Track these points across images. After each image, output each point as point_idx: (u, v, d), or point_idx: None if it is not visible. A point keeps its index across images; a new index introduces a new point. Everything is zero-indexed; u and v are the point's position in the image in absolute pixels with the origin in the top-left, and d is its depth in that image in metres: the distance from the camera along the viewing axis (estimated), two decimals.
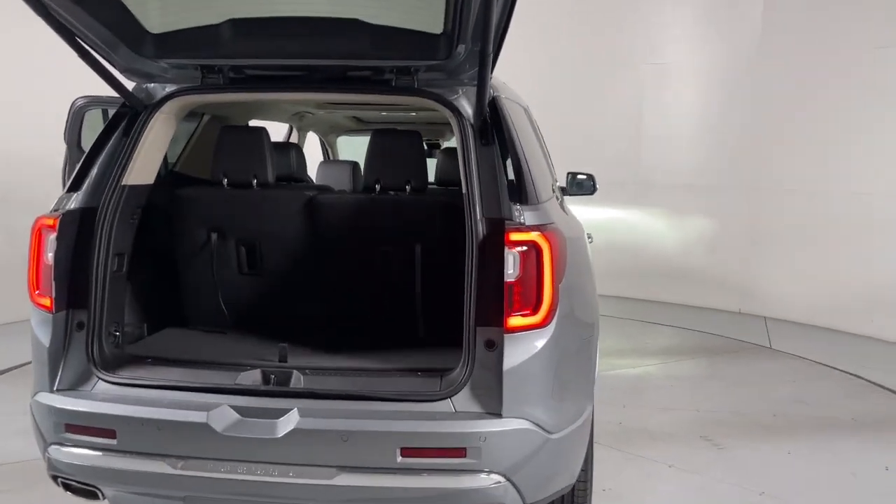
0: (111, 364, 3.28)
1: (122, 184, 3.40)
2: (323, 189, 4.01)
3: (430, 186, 3.84)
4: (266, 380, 3.19)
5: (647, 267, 9.65)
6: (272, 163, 3.75)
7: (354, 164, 5.72)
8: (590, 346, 3.51)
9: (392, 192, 3.66)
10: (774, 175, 8.82)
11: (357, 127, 6.72)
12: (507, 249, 3.02)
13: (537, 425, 3.04)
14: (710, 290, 9.24)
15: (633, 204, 9.68)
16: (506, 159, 3.26)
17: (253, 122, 4.75)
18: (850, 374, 7.27)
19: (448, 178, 4.24)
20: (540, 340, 3.07)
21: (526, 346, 3.05)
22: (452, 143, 3.79)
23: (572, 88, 9.57)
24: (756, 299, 9.03)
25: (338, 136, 7.06)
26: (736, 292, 9.24)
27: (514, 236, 3.04)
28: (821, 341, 8.30)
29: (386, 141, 3.64)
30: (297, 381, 3.15)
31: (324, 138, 6.76)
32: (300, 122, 5.78)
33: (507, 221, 3.10)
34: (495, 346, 3.07)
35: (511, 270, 3.03)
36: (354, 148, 7.41)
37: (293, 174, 4.27)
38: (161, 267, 3.97)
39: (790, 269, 8.82)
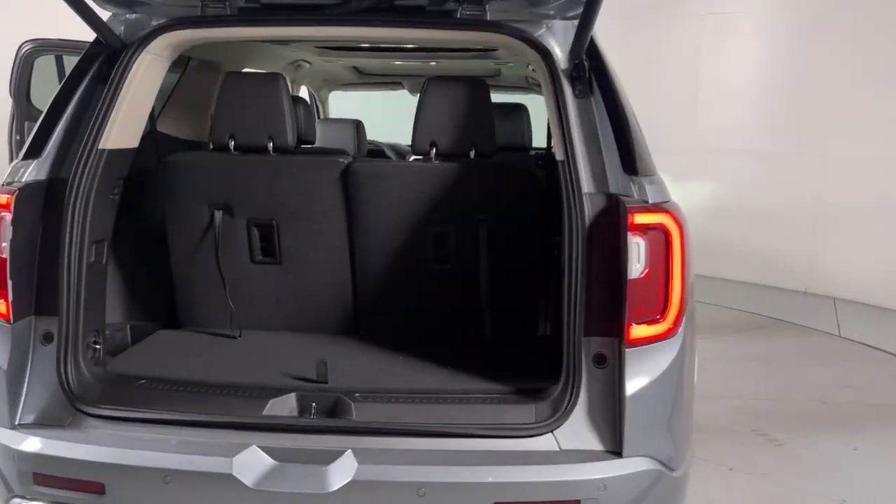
0: (93, 389, 2.48)
1: (100, 147, 2.56)
2: (356, 155, 3.19)
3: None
4: (305, 408, 2.43)
5: (705, 241, 7.97)
6: (293, 121, 2.92)
7: (357, 124, 4.89)
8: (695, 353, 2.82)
9: (451, 159, 2.88)
10: (847, 141, 7.35)
11: (356, 80, 5.85)
12: (630, 236, 2.29)
13: (661, 463, 2.35)
14: (772, 267, 7.74)
15: (688, 171, 7.94)
16: (612, 116, 2.52)
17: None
18: None
19: (503, 142, 3.46)
20: (667, 354, 2.38)
21: (651, 363, 2.36)
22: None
23: (620, 41, 7.85)
24: (824, 279, 7.63)
25: (331, 90, 6.19)
26: (803, 271, 7.80)
27: (640, 218, 2.30)
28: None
29: (445, 92, 2.85)
30: (346, 409, 2.39)
31: (316, 93, 5.87)
32: (295, 73, 4.89)
33: (623, 198, 2.37)
34: (606, 363, 2.37)
35: (636, 264, 2.30)
36: (345, 106, 6.54)
37: (302, 136, 3.43)
38: (150, 255, 3.13)
39: (862, 245, 7.42)
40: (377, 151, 5.84)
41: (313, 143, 4.13)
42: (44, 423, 2.42)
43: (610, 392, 2.36)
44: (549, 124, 3.24)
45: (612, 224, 2.38)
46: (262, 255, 3.03)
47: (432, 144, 2.85)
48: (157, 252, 3.13)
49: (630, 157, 2.45)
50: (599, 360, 2.38)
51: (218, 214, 2.96)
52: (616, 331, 2.38)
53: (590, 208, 2.39)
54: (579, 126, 2.48)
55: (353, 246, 2.98)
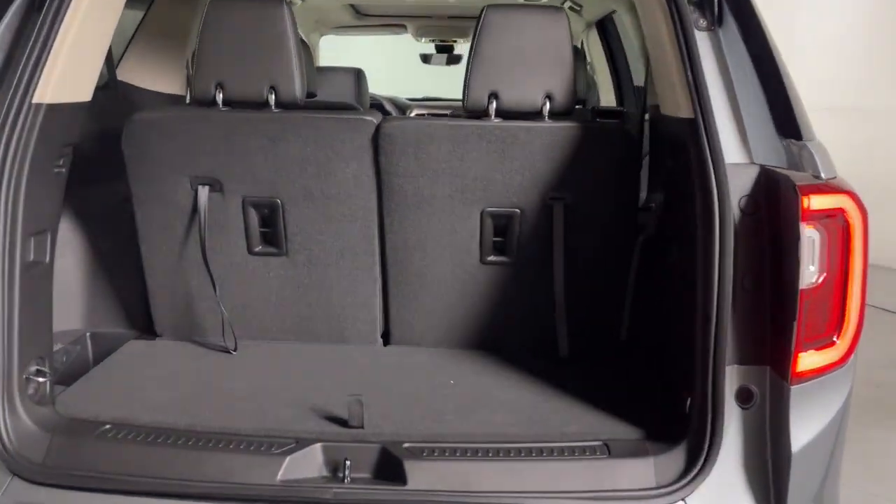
0: (36, 443, 1.77)
1: (34, 101, 1.82)
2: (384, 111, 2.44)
3: None
4: (335, 467, 1.74)
5: None
6: (301, 66, 2.17)
7: (358, 73, 4.12)
8: None
9: (518, 117, 2.16)
10: None
11: (353, 22, 5.02)
12: (803, 227, 1.61)
13: None
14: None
15: None
16: (757, 57, 1.82)
17: None
18: None
19: None
20: (840, 391, 1.75)
21: (822, 404, 1.72)
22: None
23: None
24: None
25: (322, 35, 5.35)
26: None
27: (817, 202, 1.62)
28: None
29: (510, 25, 2.10)
30: (395, 468, 1.72)
31: (306, 37, 5.03)
32: None
33: (784, 172, 1.69)
34: (752, 401, 1.72)
35: (810, 266, 1.63)
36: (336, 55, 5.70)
37: (309, 87, 2.67)
38: (114, 245, 2.40)
39: None
40: (377, 105, 5.06)
41: (315, 95, 3.37)
42: None
43: (759, 443, 1.71)
44: (647, 69, 2.51)
45: (770, 209, 1.70)
46: (262, 245, 2.31)
47: (492, 97, 2.11)
48: (124, 241, 2.39)
49: (787, 114, 1.77)
50: (744, 397, 1.73)
51: (203, 192, 2.22)
52: (768, 357, 1.72)
53: (736, 187, 1.70)
54: (718, 71, 1.77)
55: (384, 232, 2.27)
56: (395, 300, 2.34)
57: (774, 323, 1.70)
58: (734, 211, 1.70)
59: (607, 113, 3.36)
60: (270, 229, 2.28)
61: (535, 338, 2.32)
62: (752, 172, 1.74)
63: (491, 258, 2.27)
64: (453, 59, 5.33)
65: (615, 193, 2.15)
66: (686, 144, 1.80)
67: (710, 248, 1.70)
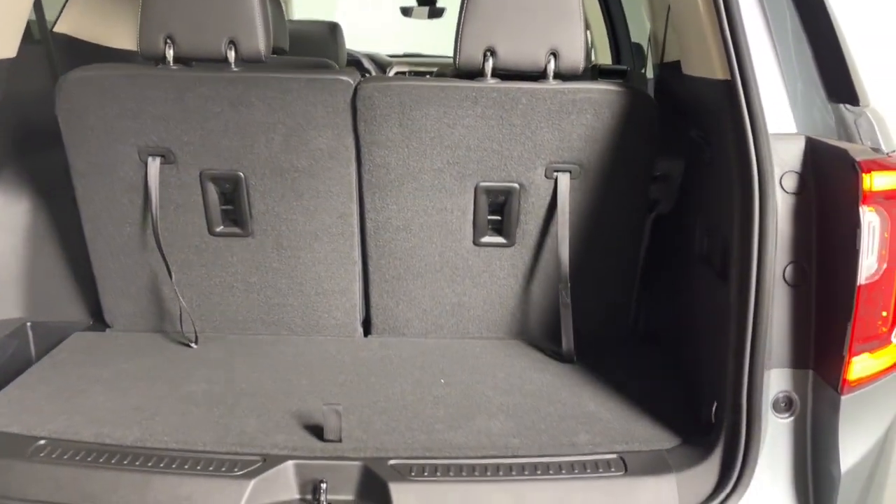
0: None
1: None
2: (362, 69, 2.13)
3: None
4: (310, 489, 1.49)
5: None
6: (265, 17, 1.86)
7: (334, 27, 3.79)
8: None
9: (518, 78, 1.87)
10: None
11: None
12: (863, 211, 1.36)
13: None
14: None
15: None
16: (805, 8, 1.55)
17: None
18: None
19: None
20: (892, 401, 1.50)
21: (875, 415, 1.50)
22: None
23: None
24: None
25: None
26: None
27: (881, 180, 1.37)
28: None
29: None
30: (379, 492, 1.47)
31: None
32: None
33: (837, 145, 1.44)
34: (792, 409, 1.48)
35: (868, 256, 1.39)
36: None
37: (276, 42, 2.34)
38: (54, 223, 2.10)
39: None
40: (354, 62, 4.70)
41: (286, 52, 3.04)
42: None
43: (799, 458, 1.49)
44: (655, 23, 2.21)
45: (820, 188, 1.44)
46: (224, 224, 2.02)
47: (488, 54, 1.82)
48: (67, 218, 2.09)
49: (840, 75, 1.50)
50: (783, 405, 1.50)
51: (154, 164, 1.92)
52: (811, 360, 1.49)
53: (779, 161, 1.45)
54: (758, 25, 1.50)
55: (364, 211, 1.99)
56: (377, 287, 2.07)
57: (821, 321, 1.47)
58: (775, 188, 1.45)
59: (609, 72, 3.07)
60: (233, 207, 1.99)
61: (536, 330, 2.07)
62: (798, 145, 1.48)
63: (486, 239, 2.00)
64: (435, 13, 4.92)
65: (629, 164, 1.88)
66: (719, 110, 1.53)
67: (748, 233, 1.45)
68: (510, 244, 2.00)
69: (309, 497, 1.49)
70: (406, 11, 5.11)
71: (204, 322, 2.08)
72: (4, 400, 1.74)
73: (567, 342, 1.97)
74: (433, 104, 1.84)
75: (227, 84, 1.86)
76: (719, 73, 1.53)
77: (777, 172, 1.45)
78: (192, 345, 2.03)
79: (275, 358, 1.98)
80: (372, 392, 1.80)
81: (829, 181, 1.43)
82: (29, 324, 2.09)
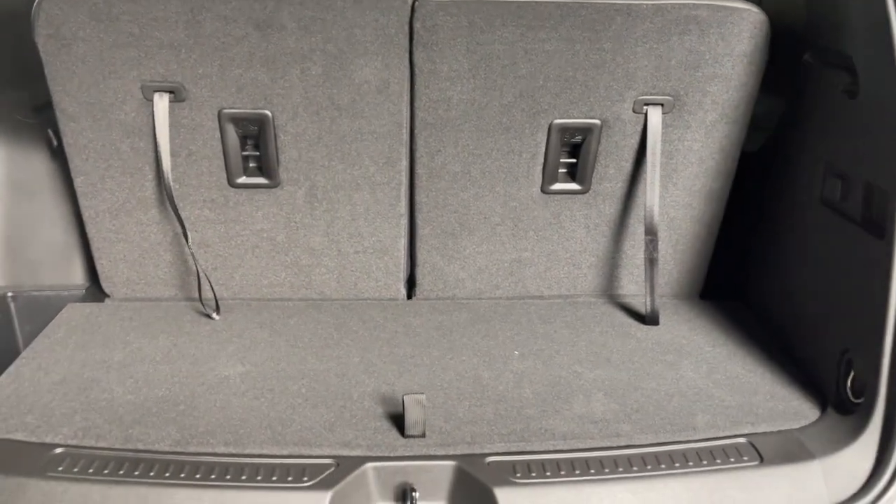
0: None
1: None
2: None
3: None
4: (398, 496, 1.24)
5: None
6: None
7: None
8: None
9: None
10: None
11: None
12: None
13: None
14: None
15: None
16: None
17: None
18: None
19: None
20: None
21: None
22: None
23: None
24: None
25: None
26: None
27: None
28: None
29: None
30: (481, 498, 1.23)
31: None
32: None
33: None
34: None
35: None
36: None
37: None
38: (37, 174, 1.75)
39: None
40: None
41: None
42: None
43: None
44: None
45: None
46: (246, 174, 1.69)
47: None
48: (50, 170, 1.75)
49: None
50: None
51: (162, 102, 1.58)
52: None
53: None
54: None
55: (415, 156, 1.68)
56: (426, 243, 1.79)
57: None
58: None
59: None
60: (258, 153, 1.67)
61: (609, 288, 1.82)
62: None
63: (557, 186, 1.72)
64: None
65: (732, 95, 1.60)
66: (882, 29, 1.26)
67: None
68: (584, 191, 1.72)
69: None
70: None
71: (223, 288, 1.78)
72: (1, 395, 1.43)
73: (651, 303, 1.73)
74: (509, 25, 1.53)
75: (253, 1, 1.50)
76: None
77: None
78: (214, 315, 1.73)
79: (312, 329, 1.69)
80: (439, 370, 1.54)
81: None
82: (10, 294, 1.76)
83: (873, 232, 1.33)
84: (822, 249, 1.53)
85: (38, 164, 1.79)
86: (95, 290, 1.84)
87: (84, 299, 1.82)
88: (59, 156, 1.77)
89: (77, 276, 1.86)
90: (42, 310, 1.77)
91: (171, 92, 1.58)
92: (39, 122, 1.80)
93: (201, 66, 1.55)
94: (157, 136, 1.60)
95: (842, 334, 1.42)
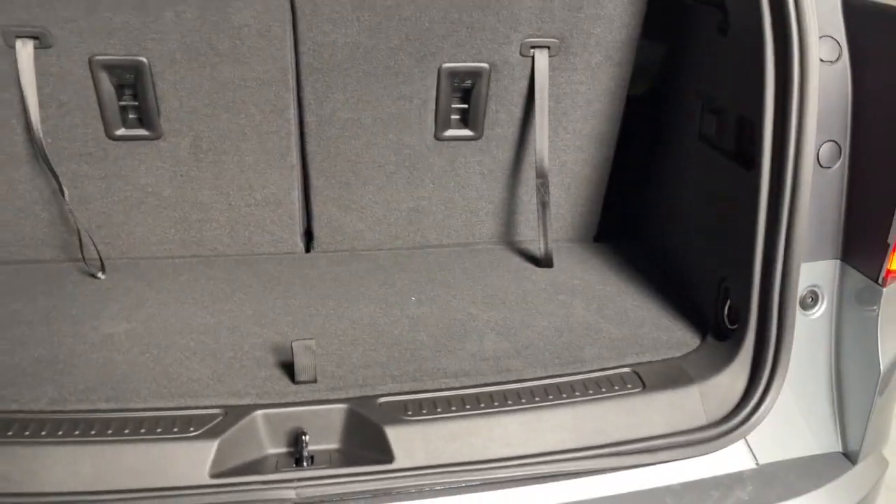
0: None
1: None
2: None
3: None
4: (289, 442, 1.24)
5: None
6: None
7: None
8: None
9: None
10: None
11: None
12: None
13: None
14: None
15: None
16: None
17: None
18: None
19: None
20: None
21: None
22: None
23: None
24: None
25: None
26: None
27: None
28: None
29: None
30: (373, 437, 1.23)
31: None
32: None
33: (884, 3, 1.26)
34: (818, 305, 1.37)
35: None
36: None
37: None
38: None
39: None
40: None
41: None
42: None
43: (825, 358, 1.37)
44: None
45: (857, 55, 1.27)
46: (125, 126, 1.62)
47: None
48: None
49: None
50: (811, 301, 1.37)
51: (25, 49, 1.48)
52: (839, 250, 1.35)
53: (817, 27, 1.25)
54: None
55: (303, 103, 1.64)
56: (320, 194, 1.76)
57: (855, 207, 1.32)
58: (812, 52, 1.25)
59: None
60: (136, 103, 1.60)
61: (506, 234, 1.84)
62: (833, 5, 1.29)
63: (449, 133, 1.72)
64: None
65: (616, 36, 1.63)
66: None
67: (784, 112, 1.26)
68: (477, 136, 1.73)
69: (289, 450, 1.23)
70: None
71: (109, 247, 1.71)
72: None
73: (545, 246, 1.76)
74: None
75: None
76: None
77: (813, 35, 1.26)
78: (99, 275, 1.66)
79: (204, 285, 1.65)
80: (334, 318, 1.53)
81: (870, 47, 1.26)
82: None
83: (744, 164, 1.38)
84: (702, 184, 1.58)
85: None
86: None
87: None
88: None
89: None
90: None
91: (35, 38, 1.48)
92: None
93: (66, 8, 1.47)
94: (23, 85, 1.51)
95: (719, 265, 1.48)
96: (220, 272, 1.71)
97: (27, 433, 1.19)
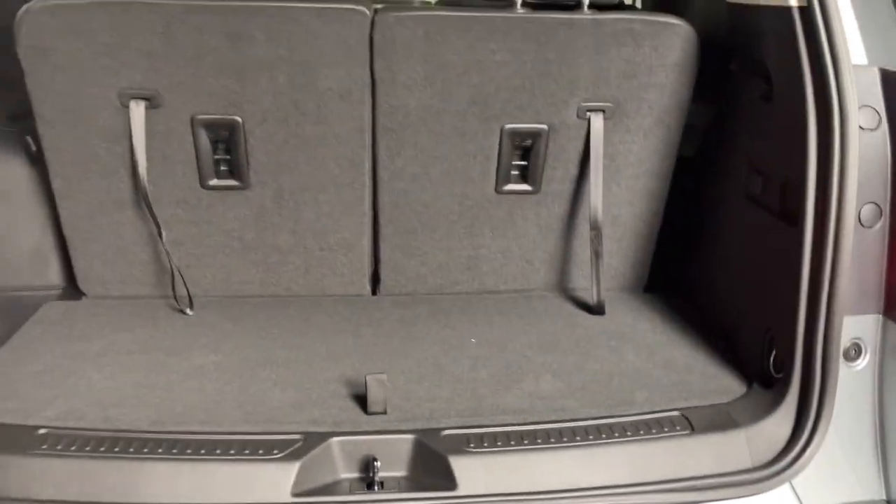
0: None
1: None
2: None
3: None
4: (361, 467, 1.35)
5: None
6: None
7: None
8: None
9: (550, 8, 1.70)
10: None
11: None
12: None
13: None
14: None
15: None
16: None
17: None
18: None
19: None
20: None
21: None
22: None
23: None
24: None
25: None
26: None
27: None
28: None
29: None
30: (439, 467, 1.34)
31: None
32: None
33: None
34: (862, 356, 1.43)
35: None
36: None
37: None
38: (13, 176, 1.84)
39: None
40: None
41: None
42: None
43: (869, 407, 1.44)
44: None
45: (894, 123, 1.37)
46: (217, 177, 1.80)
47: None
48: (28, 174, 1.83)
49: None
50: (854, 353, 1.44)
51: (138, 109, 1.68)
52: (881, 305, 1.43)
53: (857, 96, 1.35)
54: None
55: (377, 158, 1.80)
56: (388, 241, 1.91)
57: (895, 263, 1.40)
58: (855, 124, 1.35)
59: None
60: (229, 157, 1.78)
61: (559, 282, 1.95)
62: (872, 77, 1.39)
63: (509, 187, 1.86)
64: None
65: (666, 102, 1.76)
66: (789, 40, 1.42)
67: (826, 173, 1.36)
68: (535, 191, 1.86)
69: (361, 475, 1.34)
70: None
71: (195, 286, 1.88)
72: None
73: (597, 294, 1.87)
74: (461, 37, 1.66)
75: (224, 14, 1.62)
76: (793, 0, 1.41)
77: (853, 109, 1.36)
78: (188, 311, 1.83)
79: (280, 322, 1.80)
80: (401, 356, 1.66)
81: None
82: None
83: (787, 221, 1.48)
84: (748, 240, 1.68)
85: (15, 170, 1.88)
86: (71, 289, 1.92)
87: (60, 299, 1.90)
88: (36, 161, 1.86)
89: (53, 276, 1.95)
90: (20, 310, 1.85)
91: (146, 99, 1.68)
92: (16, 130, 1.89)
93: (175, 74, 1.66)
94: (133, 140, 1.70)
95: (765, 315, 1.57)
96: (295, 311, 1.86)
97: (131, 450, 1.33)
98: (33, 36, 1.61)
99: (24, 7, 1.60)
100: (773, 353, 1.53)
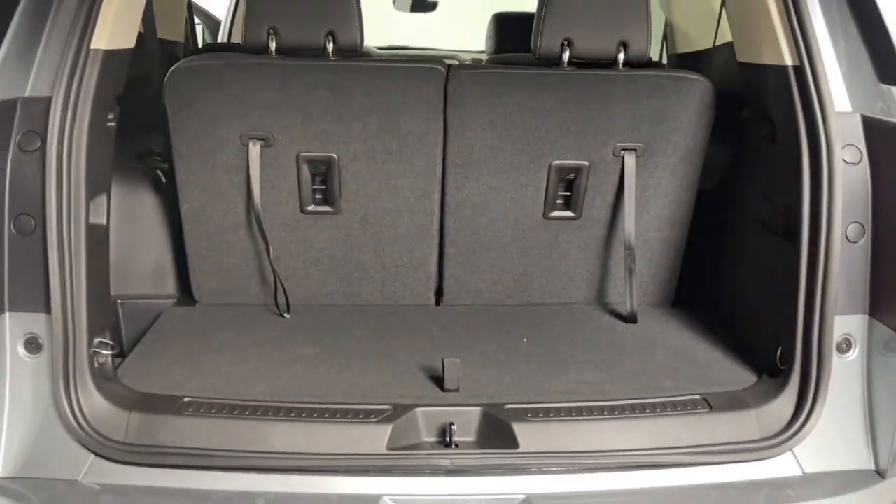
0: (114, 420, 1.64)
1: (92, 47, 1.64)
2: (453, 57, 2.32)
3: None
4: (440, 432, 1.68)
5: None
6: (359, 10, 2.03)
7: None
8: None
9: (591, 66, 2.08)
10: None
11: None
12: None
13: None
14: None
15: None
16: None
17: None
18: None
19: None
20: None
21: None
22: None
23: None
24: None
25: None
26: None
27: None
28: None
29: None
30: (504, 431, 1.66)
31: None
32: None
33: (891, 121, 1.69)
34: (851, 349, 1.73)
35: None
36: None
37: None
38: (146, 203, 2.24)
39: None
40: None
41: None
42: (39, 476, 1.59)
43: (859, 390, 1.73)
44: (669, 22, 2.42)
45: (875, 158, 1.69)
46: (314, 203, 2.17)
47: (565, 44, 2.02)
48: (153, 202, 2.23)
49: (889, 58, 1.74)
50: (844, 346, 1.74)
51: (255, 147, 2.07)
52: (866, 306, 1.73)
53: (842, 137, 1.69)
54: (822, 13, 1.74)
55: (446, 188, 2.17)
56: (452, 260, 2.26)
57: (878, 272, 1.71)
58: (839, 159, 1.68)
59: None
60: (325, 187, 2.16)
61: (597, 296, 2.28)
62: (855, 122, 1.72)
63: (555, 213, 2.20)
64: (422, 6, 4.38)
65: (688, 144, 2.10)
66: (786, 93, 1.76)
67: (817, 199, 1.69)
68: (577, 217, 2.20)
69: (439, 439, 1.67)
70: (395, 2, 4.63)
71: (291, 296, 2.24)
72: (133, 367, 1.87)
73: (631, 305, 2.19)
74: (518, 90, 2.04)
75: (330, 72, 2.02)
76: (788, 60, 1.76)
77: (837, 148, 1.69)
78: (286, 315, 2.18)
79: (363, 325, 2.14)
80: (465, 352, 1.99)
81: (883, 152, 1.68)
82: (119, 301, 2.22)
83: (788, 238, 1.80)
84: (758, 258, 2.00)
85: (142, 198, 2.27)
86: (185, 298, 2.30)
87: (177, 306, 2.28)
88: (162, 192, 2.26)
89: (170, 287, 2.32)
90: (143, 315, 2.23)
91: (262, 139, 2.07)
92: (141, 166, 2.29)
93: (287, 119, 2.05)
94: (250, 173, 2.08)
95: (772, 319, 1.87)
96: (374, 318, 2.21)
97: (258, 413, 1.68)
98: (178, 89, 2.02)
99: (173, 67, 2.02)
100: (780, 349, 1.83)
